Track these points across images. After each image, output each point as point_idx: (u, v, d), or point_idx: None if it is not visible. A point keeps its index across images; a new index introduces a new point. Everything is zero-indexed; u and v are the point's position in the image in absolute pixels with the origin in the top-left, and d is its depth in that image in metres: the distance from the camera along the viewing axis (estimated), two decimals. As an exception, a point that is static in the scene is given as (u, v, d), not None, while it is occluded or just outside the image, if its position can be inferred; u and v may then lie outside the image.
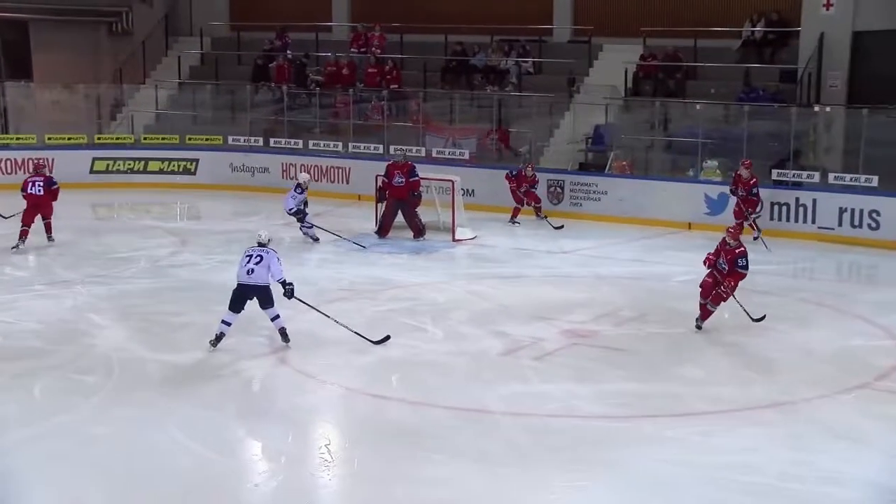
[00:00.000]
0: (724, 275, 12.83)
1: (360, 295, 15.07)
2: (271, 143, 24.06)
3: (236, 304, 12.01)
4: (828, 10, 20.80)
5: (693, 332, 13.26)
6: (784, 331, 13.32)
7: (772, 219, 18.84)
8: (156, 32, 29.14)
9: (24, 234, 17.39)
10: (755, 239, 17.51)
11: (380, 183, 18.65)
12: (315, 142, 23.72)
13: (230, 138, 24.35)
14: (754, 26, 22.39)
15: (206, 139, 24.53)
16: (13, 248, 17.23)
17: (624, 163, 21.08)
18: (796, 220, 18.71)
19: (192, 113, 26.05)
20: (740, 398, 10.92)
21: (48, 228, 17.93)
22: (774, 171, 19.31)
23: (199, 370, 11.72)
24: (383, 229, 18.51)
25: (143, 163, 24.42)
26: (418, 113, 23.69)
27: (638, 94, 22.71)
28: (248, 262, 11.95)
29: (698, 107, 21.03)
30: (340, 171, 22.79)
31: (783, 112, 20.41)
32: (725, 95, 21.59)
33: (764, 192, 18.84)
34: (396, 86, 24.65)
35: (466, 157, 22.01)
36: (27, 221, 17.50)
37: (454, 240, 18.32)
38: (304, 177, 18.99)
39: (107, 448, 9.61)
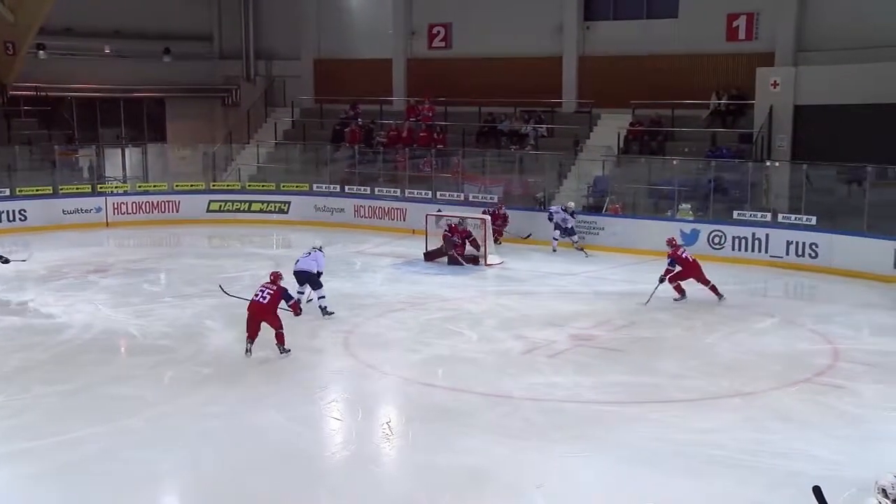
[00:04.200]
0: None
1: (414, 306, 15.06)
2: (346, 190, 24.14)
3: None
4: (775, 88, 20.72)
5: (672, 336, 13.17)
6: (743, 336, 13.20)
7: (734, 249, 18.64)
8: (258, 104, 29.37)
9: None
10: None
11: (444, 233, 18.46)
12: (379, 188, 23.75)
13: (314, 186, 24.42)
14: (720, 99, 22.24)
15: (296, 186, 24.63)
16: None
17: (617, 205, 20.95)
18: (753, 250, 18.50)
19: (285, 166, 26.16)
20: (709, 389, 10.85)
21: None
22: (735, 212, 19.15)
23: (288, 365, 11.78)
24: (429, 257, 18.58)
25: (247, 204, 24.56)
26: (459, 166, 23.72)
27: (628, 152, 22.60)
28: None
29: (675, 162, 20.93)
30: (399, 211, 22.83)
31: (742, 166, 20.28)
32: (696, 153, 21.46)
33: (727, 229, 18.74)
34: (442, 146, 24.73)
35: (496, 200, 21.98)
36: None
37: (486, 264, 18.27)
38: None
39: (218, 424, 9.69)
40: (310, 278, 13.95)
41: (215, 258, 19.64)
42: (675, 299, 15.01)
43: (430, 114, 25.59)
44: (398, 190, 23.48)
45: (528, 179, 22.89)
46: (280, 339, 11.89)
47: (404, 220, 22.52)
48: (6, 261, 15.87)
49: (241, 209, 24.47)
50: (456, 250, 18.13)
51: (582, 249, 19.36)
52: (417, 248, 19.18)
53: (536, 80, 24.76)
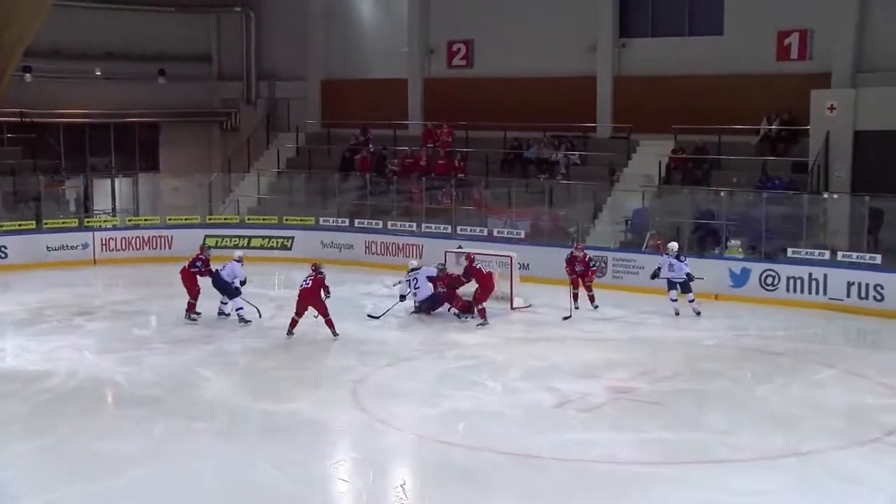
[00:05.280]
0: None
1: (431, 354, 15.06)
2: (356, 224, 24.26)
3: None
4: (832, 112, 20.68)
5: (719, 388, 13.06)
6: (799, 388, 13.10)
7: (788, 290, 18.52)
8: (259, 129, 29.70)
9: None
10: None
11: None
12: (393, 223, 23.87)
13: (321, 219, 24.59)
14: (770, 124, 22.29)
15: (301, 220, 24.79)
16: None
17: (658, 241, 20.90)
18: (809, 292, 18.36)
19: (288, 198, 26.35)
20: (759, 446, 10.75)
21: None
22: (790, 250, 19.06)
23: (291, 418, 11.76)
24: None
25: (246, 240, 24.65)
26: (481, 198, 23.81)
27: (669, 182, 22.64)
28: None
29: (722, 193, 20.90)
30: (414, 247, 22.86)
31: (796, 198, 20.20)
32: (745, 184, 21.44)
33: (780, 268, 18.64)
34: (462, 175, 24.85)
35: (522, 235, 22.01)
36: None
37: (511, 307, 18.22)
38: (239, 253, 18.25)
39: (209, 481, 9.69)
40: (433, 298, 17.12)
41: (211, 299, 19.64)
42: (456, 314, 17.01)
43: (450, 139, 25.74)
44: (414, 224, 23.56)
45: (558, 212, 22.89)
46: (329, 324, 15.34)
47: (420, 257, 22.50)
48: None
49: (240, 245, 24.49)
50: (454, 304, 17.36)
51: (698, 313, 17.44)
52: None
53: (567, 102, 24.88)
